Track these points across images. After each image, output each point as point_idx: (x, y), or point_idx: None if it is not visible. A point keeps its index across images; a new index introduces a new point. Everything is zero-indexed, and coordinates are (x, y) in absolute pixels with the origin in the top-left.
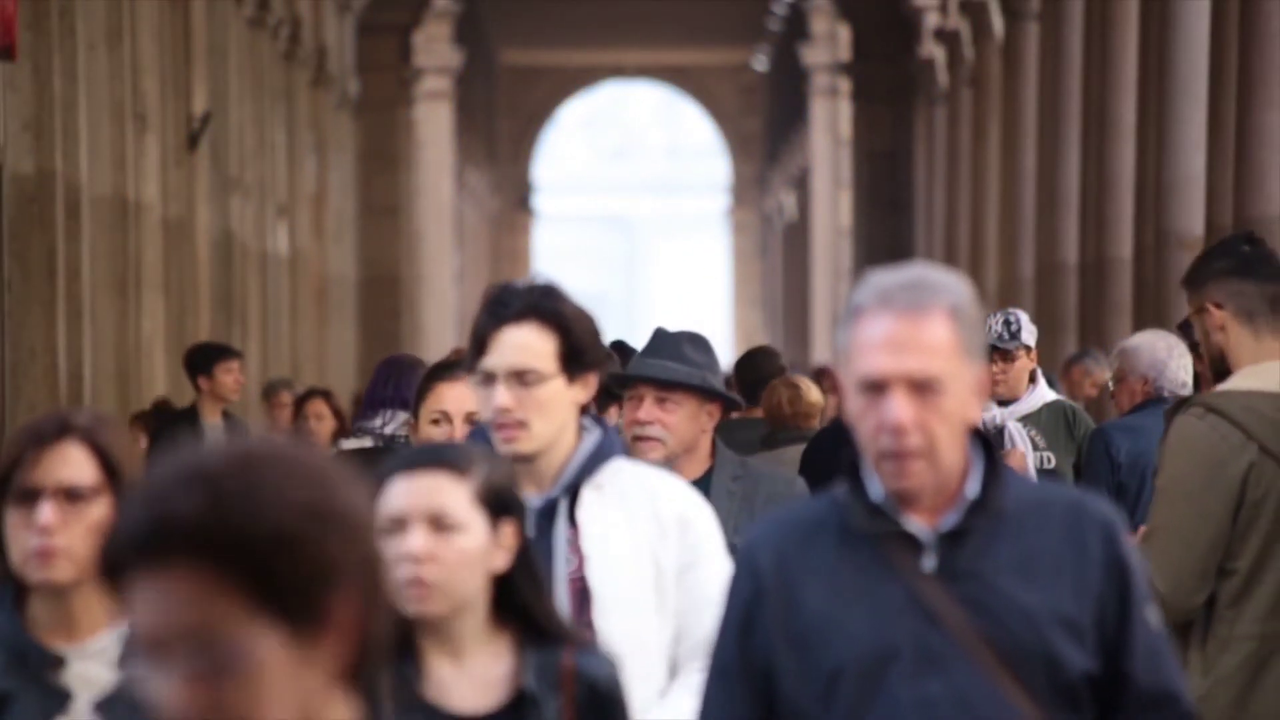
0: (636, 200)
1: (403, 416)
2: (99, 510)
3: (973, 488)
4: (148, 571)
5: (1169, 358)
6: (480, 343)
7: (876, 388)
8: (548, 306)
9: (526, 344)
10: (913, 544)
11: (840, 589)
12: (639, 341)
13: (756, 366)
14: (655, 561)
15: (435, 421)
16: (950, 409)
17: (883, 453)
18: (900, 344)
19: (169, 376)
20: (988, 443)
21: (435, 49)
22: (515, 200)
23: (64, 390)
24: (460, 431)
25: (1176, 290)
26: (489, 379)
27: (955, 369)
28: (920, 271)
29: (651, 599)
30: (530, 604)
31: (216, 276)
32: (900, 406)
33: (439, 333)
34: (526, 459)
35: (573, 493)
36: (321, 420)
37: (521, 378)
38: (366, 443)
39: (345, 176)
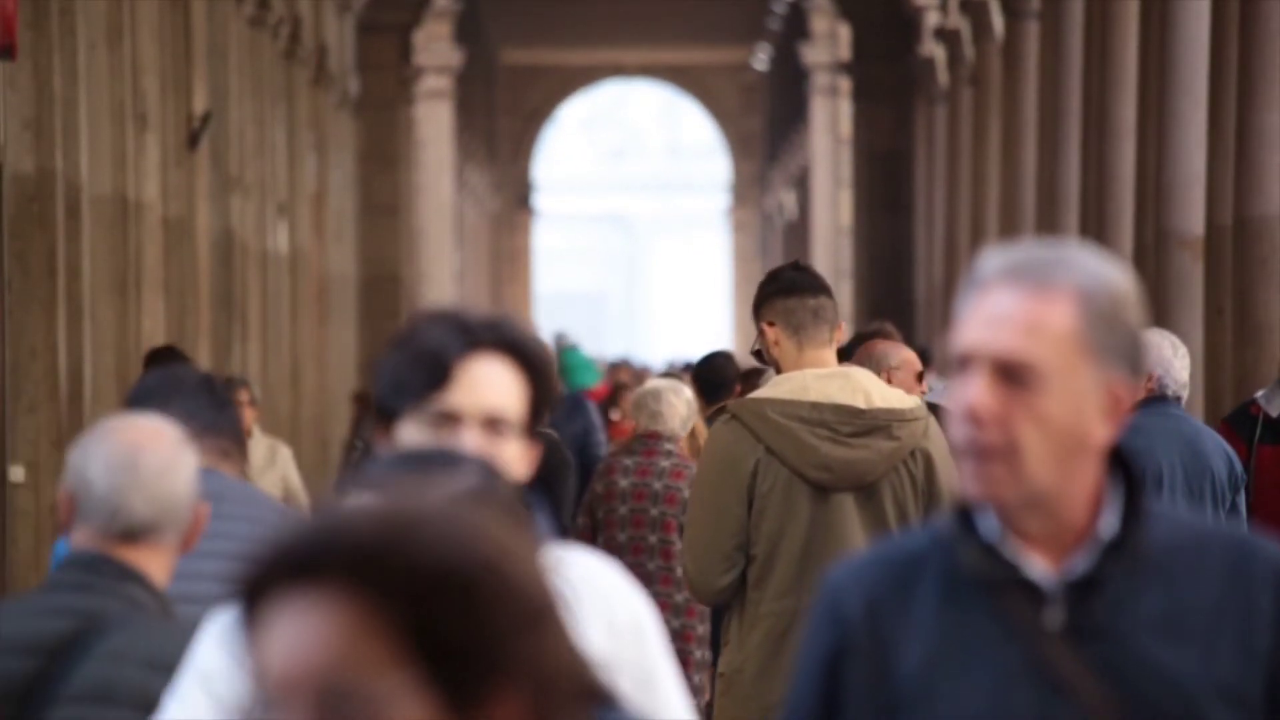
0: (636, 199)
1: None
2: None
3: (1108, 525)
4: (292, 595)
5: (1174, 357)
6: (442, 370)
7: (963, 365)
8: (526, 345)
9: (505, 385)
10: (1034, 594)
11: (944, 649)
12: (639, 343)
13: (717, 369)
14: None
15: None
16: (1049, 411)
17: (958, 447)
18: (998, 318)
19: None
20: (1131, 473)
21: (435, 48)
22: (515, 199)
23: (64, 390)
24: None
25: (1177, 290)
26: (447, 420)
27: (1067, 364)
28: (1063, 248)
29: None
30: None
31: (217, 276)
32: (978, 389)
33: None
34: None
35: None
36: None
37: (495, 427)
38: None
39: (345, 175)
